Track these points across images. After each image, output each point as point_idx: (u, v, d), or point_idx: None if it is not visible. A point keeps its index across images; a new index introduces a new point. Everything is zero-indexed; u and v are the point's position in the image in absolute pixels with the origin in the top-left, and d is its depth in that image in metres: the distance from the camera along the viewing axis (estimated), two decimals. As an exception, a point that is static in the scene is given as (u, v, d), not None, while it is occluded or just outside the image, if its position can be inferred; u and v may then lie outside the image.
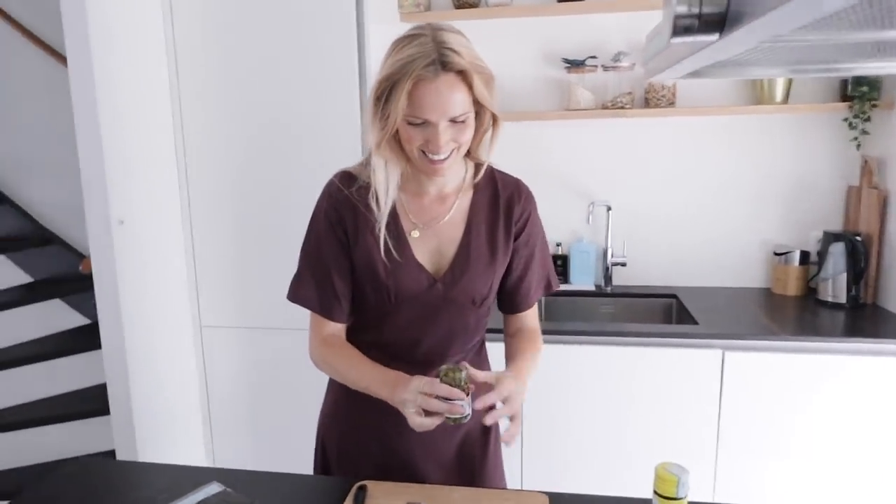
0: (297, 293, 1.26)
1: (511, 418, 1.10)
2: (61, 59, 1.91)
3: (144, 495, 1.20)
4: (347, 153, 2.05)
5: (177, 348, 2.30)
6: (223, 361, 2.35)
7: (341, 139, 2.06)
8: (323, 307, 1.24)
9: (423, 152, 1.12)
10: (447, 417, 1.07)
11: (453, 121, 1.09)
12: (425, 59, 1.05)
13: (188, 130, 2.19)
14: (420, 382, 1.08)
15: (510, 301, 1.33)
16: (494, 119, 1.16)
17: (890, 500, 1.98)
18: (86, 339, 2.69)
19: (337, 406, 1.34)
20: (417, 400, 1.06)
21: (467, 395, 1.08)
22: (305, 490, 1.24)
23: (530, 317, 1.36)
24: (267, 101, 2.13)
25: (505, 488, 1.37)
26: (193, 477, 1.23)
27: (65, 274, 2.93)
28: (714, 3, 0.52)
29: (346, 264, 1.23)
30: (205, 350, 2.35)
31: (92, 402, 2.55)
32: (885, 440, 1.97)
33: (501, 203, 1.26)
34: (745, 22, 0.46)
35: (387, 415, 1.16)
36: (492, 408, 1.08)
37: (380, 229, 1.18)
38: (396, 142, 1.16)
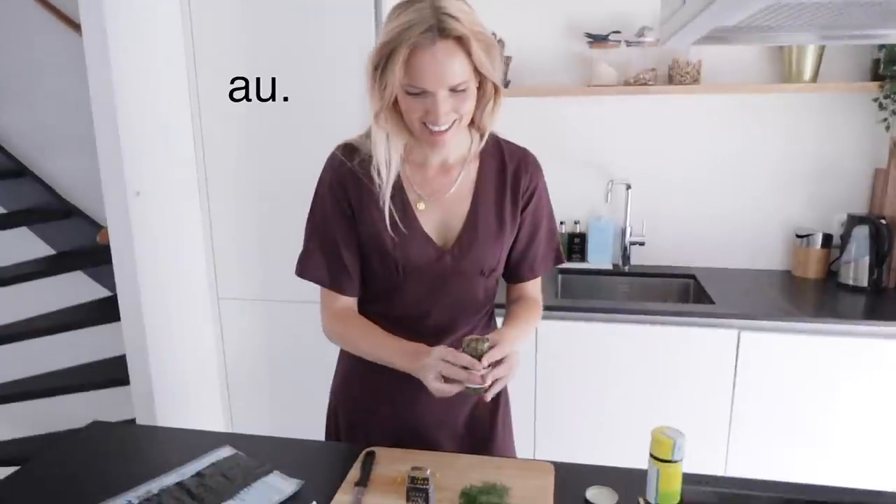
0: (305, 269, 1.25)
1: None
2: (80, 29, 1.92)
3: (157, 458, 1.22)
4: (365, 125, 2.04)
5: (194, 320, 2.33)
6: (240, 333, 2.37)
7: (360, 111, 2.05)
8: (333, 282, 1.24)
9: (424, 124, 1.10)
10: (466, 387, 1.07)
11: (453, 90, 1.06)
12: (422, 25, 1.01)
13: (204, 101, 2.19)
14: (443, 351, 1.09)
15: (514, 271, 1.32)
16: (496, 88, 1.13)
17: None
18: (107, 310, 2.72)
19: (348, 375, 1.34)
20: (439, 366, 1.07)
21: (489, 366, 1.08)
22: (315, 455, 1.25)
23: (532, 286, 1.34)
24: (284, 70, 2.12)
25: (515, 458, 1.37)
26: (207, 441, 1.25)
27: (86, 246, 2.97)
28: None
29: (353, 237, 1.22)
30: (222, 321, 2.37)
31: (113, 372, 2.59)
32: (904, 425, 1.94)
33: (508, 173, 1.24)
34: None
35: (398, 383, 1.16)
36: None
37: (384, 202, 1.16)
38: (398, 113, 1.14)
